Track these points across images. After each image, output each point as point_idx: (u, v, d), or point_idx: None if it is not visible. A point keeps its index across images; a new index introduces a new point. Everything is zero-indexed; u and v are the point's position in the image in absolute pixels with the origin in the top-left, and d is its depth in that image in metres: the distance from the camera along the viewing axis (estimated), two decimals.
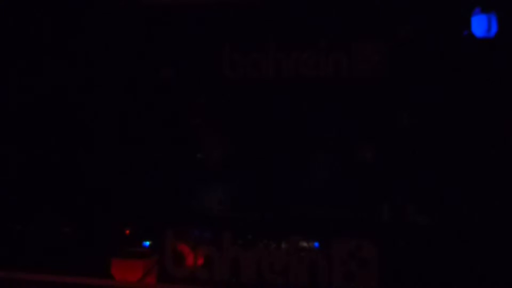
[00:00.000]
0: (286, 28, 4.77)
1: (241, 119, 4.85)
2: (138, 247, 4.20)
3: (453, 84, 4.47)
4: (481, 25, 4.37)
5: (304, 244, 3.97)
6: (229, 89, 4.86)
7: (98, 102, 4.88)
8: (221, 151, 4.81)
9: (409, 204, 4.45)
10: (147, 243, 4.22)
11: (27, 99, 4.93)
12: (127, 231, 4.27)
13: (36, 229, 4.43)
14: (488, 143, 4.38)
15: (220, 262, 3.95)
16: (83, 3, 4.93)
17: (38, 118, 4.91)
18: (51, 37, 4.93)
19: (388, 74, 4.60)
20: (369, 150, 4.70)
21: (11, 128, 4.89)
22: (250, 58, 4.81)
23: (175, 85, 4.93)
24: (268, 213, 4.48)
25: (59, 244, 4.29)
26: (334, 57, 4.69)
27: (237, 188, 4.69)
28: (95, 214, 4.50)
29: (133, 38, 4.92)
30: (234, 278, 3.93)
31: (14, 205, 4.65)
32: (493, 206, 4.24)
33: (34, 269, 4.04)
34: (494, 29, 4.34)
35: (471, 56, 4.42)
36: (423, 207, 4.41)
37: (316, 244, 3.97)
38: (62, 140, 4.85)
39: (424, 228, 4.28)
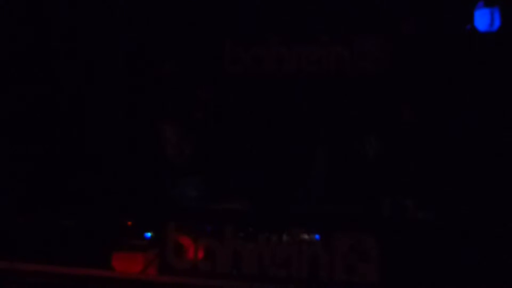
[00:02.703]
0: (288, 22, 4.77)
1: (243, 114, 4.86)
2: (140, 238, 4.20)
3: (456, 78, 4.47)
4: (484, 19, 4.37)
5: (305, 237, 3.97)
6: (230, 83, 4.86)
7: (98, 95, 4.88)
8: (222, 146, 4.81)
9: (410, 199, 4.45)
10: (149, 234, 4.22)
11: (26, 92, 4.93)
12: (129, 223, 4.27)
13: (37, 221, 4.43)
14: (490, 139, 4.38)
15: (222, 254, 3.95)
16: None
17: (37, 110, 4.91)
18: (44, 29, 4.91)
19: (390, 68, 4.60)
20: (371, 145, 4.70)
21: (10, 120, 4.88)
22: (251, 53, 4.80)
23: (176, 80, 4.93)
24: (270, 206, 4.49)
25: (60, 236, 4.29)
26: (336, 51, 4.69)
27: (237, 183, 4.70)
28: (96, 206, 4.50)
29: (132, 31, 4.92)
30: (235, 270, 3.93)
31: (15, 197, 4.65)
32: (494, 202, 4.24)
33: (35, 260, 4.04)
34: (497, 23, 4.33)
35: (473, 50, 4.42)
36: (424, 202, 4.41)
37: (317, 237, 3.97)
38: (63, 132, 4.85)
39: (424, 223, 4.28)
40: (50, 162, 4.78)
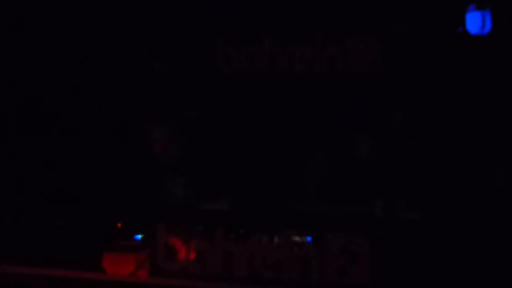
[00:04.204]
0: (280, 21, 4.76)
1: (235, 113, 4.84)
2: (130, 240, 4.18)
3: (447, 80, 4.48)
4: (475, 22, 4.38)
5: (297, 238, 3.97)
6: (222, 83, 4.85)
7: (90, 96, 4.85)
8: (213, 147, 4.80)
9: (402, 199, 4.46)
10: (139, 236, 4.20)
11: (16, 91, 4.88)
12: (119, 224, 4.26)
13: (27, 223, 4.40)
14: (481, 140, 4.40)
15: (213, 256, 3.94)
16: None
17: (29, 111, 4.87)
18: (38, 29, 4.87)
19: (382, 69, 4.61)
20: (363, 146, 4.71)
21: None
22: (244, 52, 4.79)
23: (168, 79, 4.91)
24: (261, 207, 4.49)
25: (50, 238, 4.27)
26: (329, 52, 4.68)
27: (229, 184, 4.69)
28: (87, 207, 4.48)
29: (126, 31, 4.89)
30: (226, 272, 3.93)
31: (4, 198, 4.61)
32: (486, 202, 4.27)
33: (24, 262, 4.01)
34: (488, 26, 4.35)
35: (465, 52, 4.44)
36: (416, 203, 4.43)
37: (309, 238, 3.98)
38: (52, 132, 4.81)
39: (416, 223, 4.29)
40: (40, 163, 4.74)
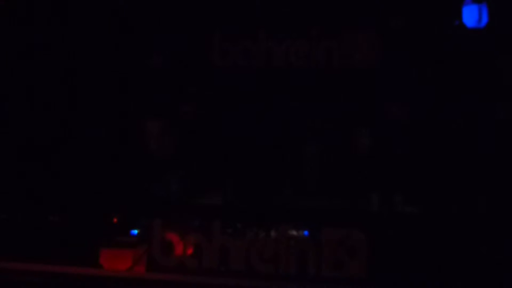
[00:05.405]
0: (277, 16, 4.75)
1: (231, 108, 4.84)
2: (126, 236, 4.18)
3: (444, 74, 4.48)
4: (472, 15, 4.38)
5: (294, 232, 3.97)
6: (218, 77, 4.84)
7: (86, 90, 4.84)
8: (209, 141, 4.79)
9: (398, 193, 4.47)
10: (135, 231, 4.20)
11: (15, 88, 4.88)
12: (115, 219, 4.25)
13: (23, 219, 4.40)
14: (477, 134, 4.41)
15: (209, 251, 3.94)
16: None
17: (25, 107, 4.86)
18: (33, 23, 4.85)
19: (379, 63, 4.61)
20: (360, 140, 4.71)
21: None
22: (240, 46, 4.78)
23: (165, 74, 4.90)
24: (257, 202, 4.49)
25: (46, 234, 4.26)
26: (325, 46, 4.68)
27: (225, 178, 4.69)
28: (83, 203, 4.47)
29: (122, 26, 4.88)
30: (223, 266, 3.93)
31: (2, 195, 4.61)
32: (482, 195, 4.28)
33: (21, 259, 4.01)
34: (484, 19, 4.35)
35: (461, 46, 4.44)
36: (412, 196, 4.43)
37: (306, 232, 3.98)
38: (49, 128, 4.81)
39: (412, 217, 4.30)
40: (36, 159, 4.73)
